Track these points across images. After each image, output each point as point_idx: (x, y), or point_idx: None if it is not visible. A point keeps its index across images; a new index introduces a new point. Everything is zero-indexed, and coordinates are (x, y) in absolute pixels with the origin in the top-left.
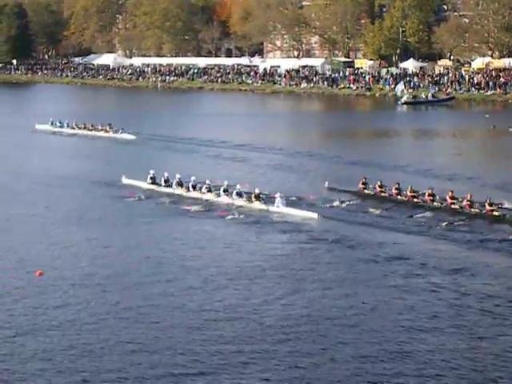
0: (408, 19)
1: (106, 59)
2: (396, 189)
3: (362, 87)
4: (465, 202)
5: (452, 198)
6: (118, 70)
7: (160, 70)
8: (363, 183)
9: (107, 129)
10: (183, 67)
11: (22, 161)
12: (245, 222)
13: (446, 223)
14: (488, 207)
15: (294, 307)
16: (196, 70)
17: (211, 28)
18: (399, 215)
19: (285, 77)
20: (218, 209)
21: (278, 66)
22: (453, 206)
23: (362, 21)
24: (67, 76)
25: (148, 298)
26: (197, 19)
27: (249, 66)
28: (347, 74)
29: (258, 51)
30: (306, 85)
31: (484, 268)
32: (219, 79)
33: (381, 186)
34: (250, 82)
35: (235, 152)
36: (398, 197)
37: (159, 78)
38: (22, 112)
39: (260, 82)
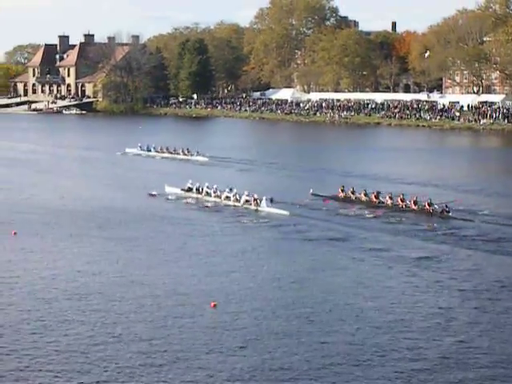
0: None
1: (284, 94)
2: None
3: None
4: None
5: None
6: (296, 104)
7: (338, 105)
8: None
9: (186, 152)
10: (361, 102)
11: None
12: None
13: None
14: None
15: None
16: (373, 106)
17: (389, 64)
18: None
19: (464, 112)
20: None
21: (457, 102)
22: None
23: None
24: (246, 110)
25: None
26: (375, 55)
27: (427, 102)
28: None
29: (437, 87)
30: (485, 121)
31: None
32: (397, 115)
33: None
34: (428, 117)
35: (406, 188)
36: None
37: (337, 113)
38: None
39: (438, 117)
